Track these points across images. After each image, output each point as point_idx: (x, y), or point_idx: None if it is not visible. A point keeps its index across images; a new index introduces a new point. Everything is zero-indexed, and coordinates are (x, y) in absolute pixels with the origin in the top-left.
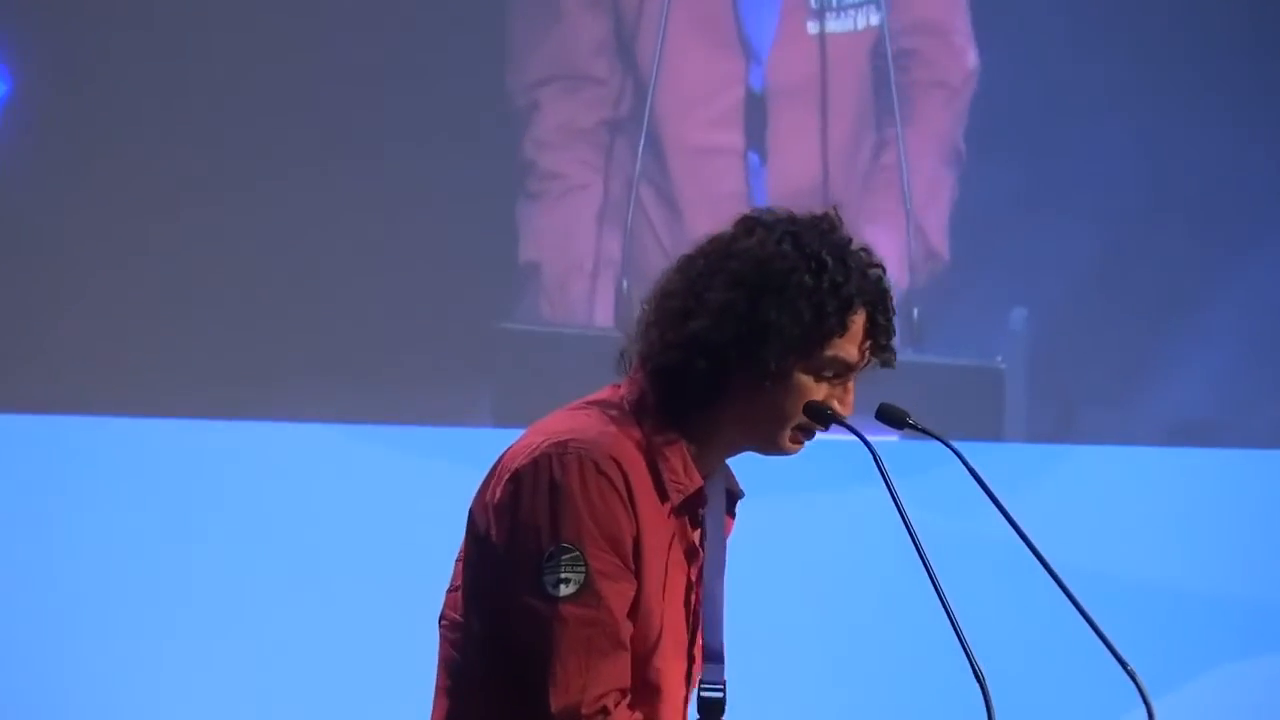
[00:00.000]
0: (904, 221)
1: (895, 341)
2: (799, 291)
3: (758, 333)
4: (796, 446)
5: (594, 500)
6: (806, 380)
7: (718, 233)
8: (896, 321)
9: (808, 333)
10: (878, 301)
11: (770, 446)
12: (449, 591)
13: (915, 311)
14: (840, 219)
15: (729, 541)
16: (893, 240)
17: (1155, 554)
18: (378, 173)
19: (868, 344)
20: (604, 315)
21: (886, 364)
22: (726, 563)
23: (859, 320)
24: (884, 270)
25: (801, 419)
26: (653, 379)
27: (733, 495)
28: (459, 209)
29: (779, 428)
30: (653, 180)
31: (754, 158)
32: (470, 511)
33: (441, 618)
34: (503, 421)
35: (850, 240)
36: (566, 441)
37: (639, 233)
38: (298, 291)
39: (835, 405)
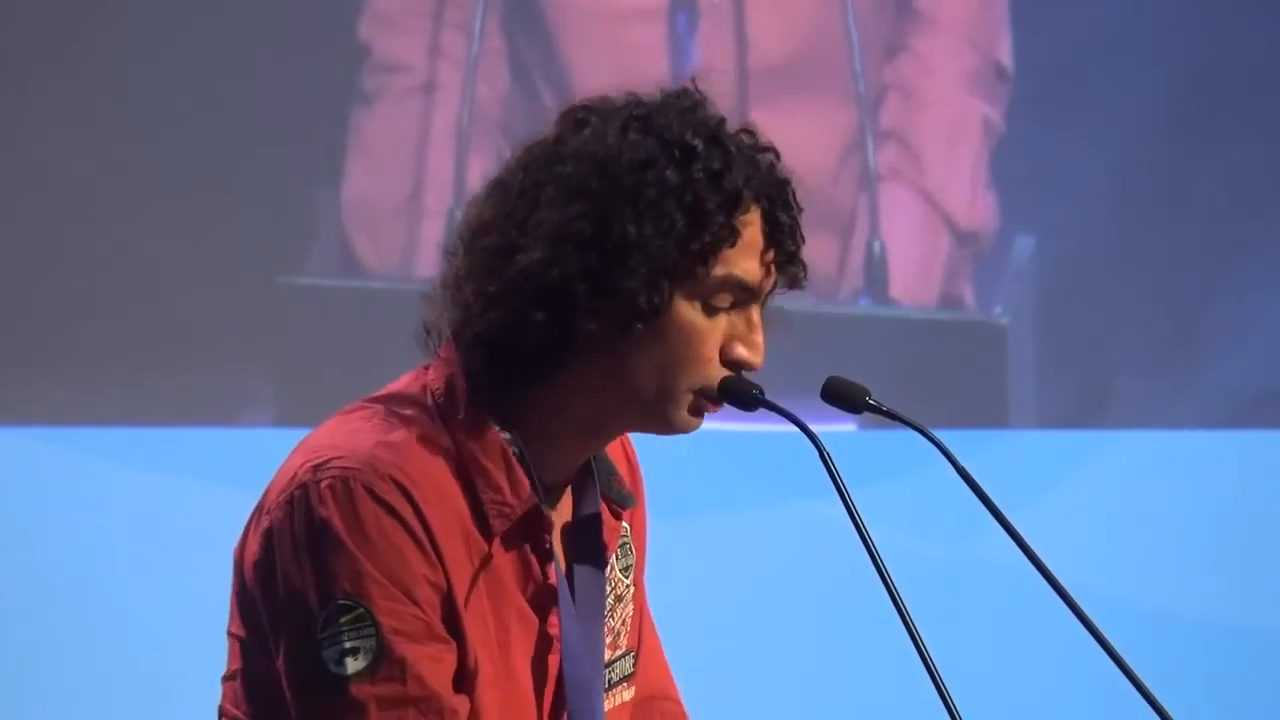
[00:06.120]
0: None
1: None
2: (663, 190)
3: (614, 257)
4: (696, 421)
5: (371, 537)
6: (693, 315)
7: (534, 138)
8: (862, 262)
9: (685, 245)
10: (774, 195)
11: (658, 423)
12: (225, 679)
13: (877, 246)
14: (703, 95)
15: (642, 555)
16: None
17: (1215, 575)
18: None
19: (770, 255)
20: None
21: (795, 283)
22: (612, 594)
23: (753, 223)
24: (777, 155)
25: (700, 379)
26: (471, 353)
27: (621, 496)
28: (231, 106)
29: (668, 393)
30: (530, 62)
31: (681, 22)
32: (235, 560)
33: (221, 715)
34: (289, 419)
35: (723, 119)
36: (327, 462)
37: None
38: None
39: (740, 351)
